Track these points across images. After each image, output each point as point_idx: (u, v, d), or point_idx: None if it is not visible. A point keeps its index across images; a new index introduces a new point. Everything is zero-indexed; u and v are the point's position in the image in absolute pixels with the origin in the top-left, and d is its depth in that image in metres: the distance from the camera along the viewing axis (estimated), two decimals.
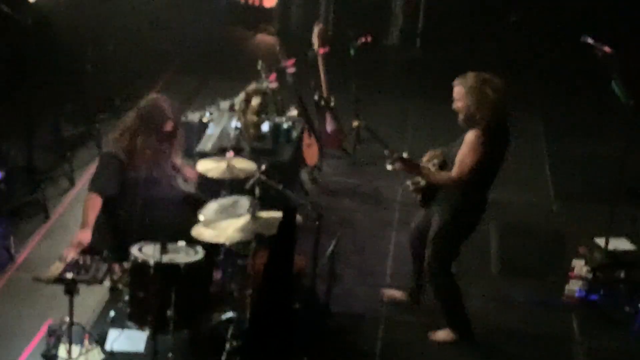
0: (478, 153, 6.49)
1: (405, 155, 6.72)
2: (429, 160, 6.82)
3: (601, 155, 10.05)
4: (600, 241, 7.90)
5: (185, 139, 8.77)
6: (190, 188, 7.21)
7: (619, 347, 7.11)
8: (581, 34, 8.00)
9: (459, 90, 6.59)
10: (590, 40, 7.97)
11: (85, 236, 6.59)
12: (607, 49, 7.79)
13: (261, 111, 8.18)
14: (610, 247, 7.77)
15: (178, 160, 7.16)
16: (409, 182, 6.96)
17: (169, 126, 6.89)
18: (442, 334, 7.03)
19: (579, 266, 7.74)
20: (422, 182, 6.85)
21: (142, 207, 6.80)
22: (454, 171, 6.57)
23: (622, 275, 7.69)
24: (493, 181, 6.79)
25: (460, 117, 6.62)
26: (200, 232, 6.39)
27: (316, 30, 9.47)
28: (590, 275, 7.65)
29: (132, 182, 6.80)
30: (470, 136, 6.53)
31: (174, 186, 7.12)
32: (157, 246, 6.22)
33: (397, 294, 7.38)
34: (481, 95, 6.49)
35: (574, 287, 7.62)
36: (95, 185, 6.78)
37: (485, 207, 6.83)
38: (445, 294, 6.95)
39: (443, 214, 6.75)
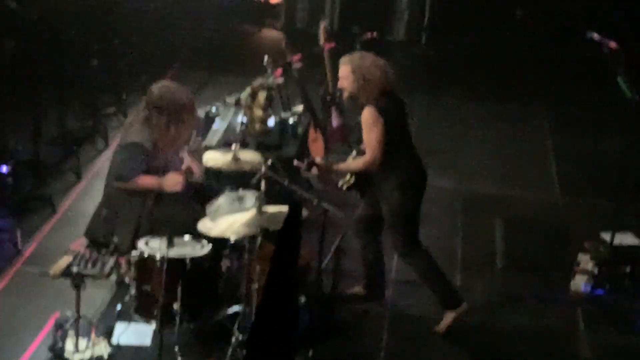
0: (377, 127, 6.65)
1: (318, 159, 6.95)
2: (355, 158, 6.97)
3: (607, 151, 10.04)
4: (606, 236, 7.90)
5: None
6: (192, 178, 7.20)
7: (624, 342, 7.12)
8: (587, 29, 8.00)
9: (345, 69, 6.76)
10: (596, 36, 7.97)
11: (173, 177, 6.73)
12: (612, 44, 7.79)
13: (267, 106, 8.19)
14: (616, 242, 7.78)
15: (185, 155, 7.15)
16: (340, 183, 7.05)
17: (189, 112, 6.86)
18: (445, 321, 7.04)
19: (585, 261, 7.75)
20: (350, 179, 7.00)
21: (156, 198, 6.80)
22: (366, 153, 6.73)
23: (628, 270, 7.69)
24: (409, 143, 6.90)
25: (345, 94, 6.83)
26: (207, 226, 6.40)
27: (322, 25, 9.47)
28: (595, 270, 7.65)
29: (152, 172, 6.79)
30: (363, 116, 6.70)
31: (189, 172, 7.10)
32: (164, 240, 6.24)
33: (356, 289, 7.41)
34: (366, 75, 6.68)
35: (579, 282, 7.62)
36: (123, 177, 6.73)
37: (420, 168, 6.91)
38: (425, 268, 6.98)
39: (386, 198, 6.84)
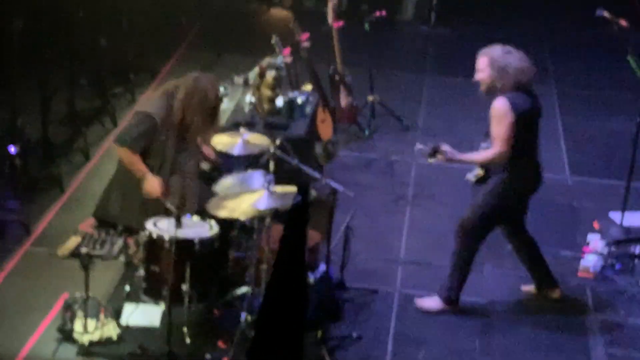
0: (506, 120, 6.53)
1: (443, 146, 6.71)
2: None
3: (617, 130, 10.01)
4: (616, 216, 7.88)
5: None
6: (205, 166, 7.18)
7: (633, 322, 7.11)
8: (597, 7, 7.95)
9: (483, 61, 6.65)
10: (606, 14, 7.93)
11: (155, 181, 6.61)
12: (623, 22, 7.75)
13: (275, 86, 8.17)
14: (626, 222, 7.76)
15: (200, 140, 7.11)
16: (469, 176, 6.94)
17: (213, 108, 6.83)
18: (432, 304, 7.05)
19: (594, 241, 7.73)
20: (481, 172, 6.84)
21: (168, 173, 6.76)
22: (494, 146, 6.61)
23: (637, 250, 7.68)
24: (536, 147, 6.82)
25: (482, 87, 6.69)
26: (215, 207, 6.39)
27: (330, 4, 9.44)
28: (605, 250, 7.64)
29: (160, 146, 6.76)
30: (493, 107, 6.59)
31: (197, 160, 7.08)
32: (172, 221, 6.24)
33: (530, 288, 7.31)
34: (504, 66, 6.56)
35: (589, 262, 7.61)
36: (124, 140, 6.68)
37: (538, 175, 6.85)
38: (463, 255, 6.93)
39: (497, 188, 6.76)
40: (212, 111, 6.77)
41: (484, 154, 6.71)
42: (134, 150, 6.66)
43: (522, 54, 6.67)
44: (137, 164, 6.68)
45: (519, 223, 7.11)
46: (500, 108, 6.55)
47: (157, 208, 6.59)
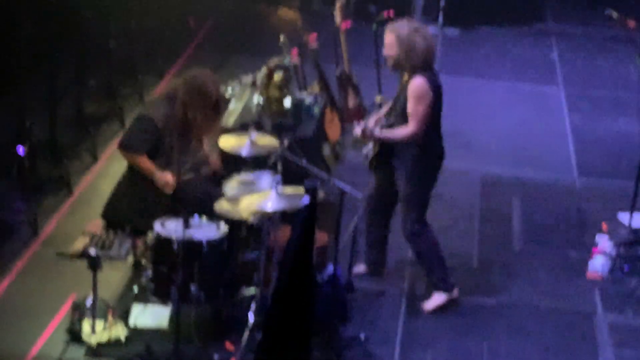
0: (426, 99, 6.64)
1: (371, 122, 6.87)
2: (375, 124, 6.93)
3: (625, 131, 9.99)
4: (624, 217, 7.86)
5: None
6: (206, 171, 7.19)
7: None
8: (607, 6, 7.95)
9: (390, 37, 6.72)
10: (614, 14, 7.91)
11: (166, 175, 6.66)
12: (631, 23, 7.73)
13: (283, 86, 8.16)
14: (634, 223, 7.73)
15: (206, 145, 7.13)
16: (365, 151, 7.04)
17: (216, 102, 6.86)
18: (434, 301, 7.07)
19: (603, 242, 7.72)
20: (375, 147, 6.95)
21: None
22: (411, 124, 6.68)
23: None
24: (439, 126, 6.90)
25: (389, 63, 6.77)
26: (223, 208, 6.39)
27: (338, 4, 9.43)
28: (614, 252, 7.62)
29: (167, 148, 6.77)
30: (412, 86, 6.66)
31: (204, 162, 7.09)
32: (180, 222, 6.24)
33: (360, 268, 7.39)
34: (412, 45, 6.62)
35: (597, 263, 7.59)
36: (127, 145, 6.77)
37: (443, 149, 6.94)
38: (428, 252, 7.02)
39: (408, 174, 6.85)
40: (214, 107, 6.82)
41: (401, 130, 6.74)
42: (138, 153, 6.69)
43: (429, 34, 6.74)
44: (143, 164, 6.71)
45: (392, 203, 7.16)
46: (421, 88, 6.64)
47: (165, 208, 6.60)
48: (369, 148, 7.01)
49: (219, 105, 6.91)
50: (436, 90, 6.73)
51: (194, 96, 6.74)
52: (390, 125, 6.83)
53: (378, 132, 6.78)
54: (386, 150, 6.91)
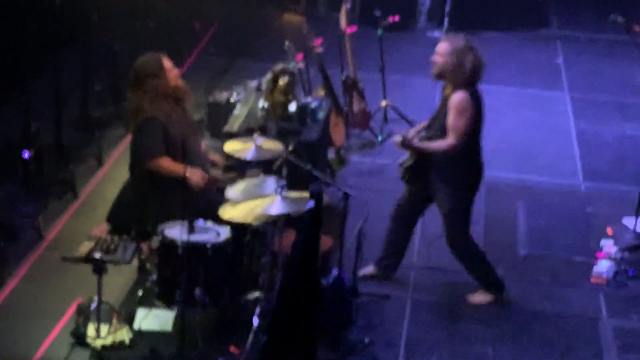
0: (467, 113, 6.68)
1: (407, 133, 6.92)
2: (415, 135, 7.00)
3: (630, 136, 9.99)
4: (629, 222, 7.86)
5: (211, 120, 8.82)
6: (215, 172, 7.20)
7: None
8: (611, 12, 7.94)
9: (445, 47, 6.76)
10: (620, 19, 7.91)
11: (196, 173, 6.65)
12: (636, 28, 7.73)
13: (288, 91, 8.17)
14: (639, 228, 7.73)
15: (203, 145, 7.14)
16: (400, 161, 7.07)
17: (161, 82, 6.86)
18: (479, 297, 7.17)
19: (608, 247, 7.72)
20: (409, 159, 6.97)
21: (178, 184, 6.77)
22: (450, 137, 6.71)
23: None
24: (480, 141, 6.95)
25: (434, 70, 6.82)
26: (228, 212, 6.40)
27: (343, 9, 9.45)
28: (618, 256, 7.62)
29: (173, 141, 6.77)
30: (454, 100, 6.70)
31: (205, 162, 7.09)
32: (185, 226, 6.25)
33: (369, 270, 7.41)
34: (462, 62, 6.68)
35: (602, 267, 7.59)
36: (148, 155, 6.72)
37: (482, 165, 6.99)
38: (474, 262, 7.12)
39: (450, 190, 6.90)
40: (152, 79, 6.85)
41: (439, 143, 6.78)
42: (161, 155, 6.68)
43: (480, 56, 6.78)
44: (172, 167, 6.69)
45: (420, 213, 7.26)
46: (463, 102, 6.68)
47: (170, 212, 6.60)
48: (405, 158, 7.02)
49: (158, 75, 6.88)
50: (478, 106, 6.76)
51: (137, 80, 6.82)
52: (430, 138, 6.87)
53: (417, 143, 6.83)
54: (422, 164, 6.93)
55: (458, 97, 6.69)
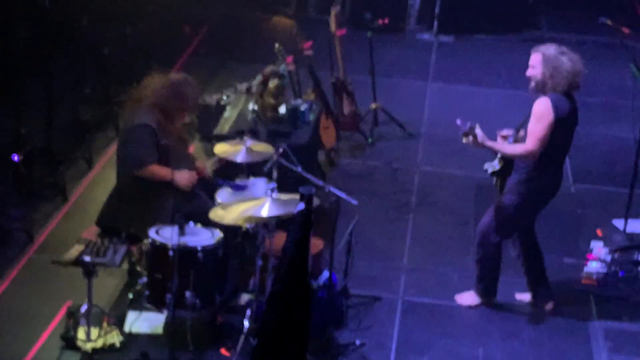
0: (546, 120, 6.57)
1: (478, 129, 6.74)
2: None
3: (619, 137, 10.01)
4: (619, 223, 7.87)
5: (201, 122, 8.81)
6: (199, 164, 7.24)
7: (637, 329, 7.10)
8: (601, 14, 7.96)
9: (536, 58, 6.68)
10: (609, 22, 7.93)
11: (183, 174, 6.76)
12: (625, 30, 7.75)
13: (278, 94, 8.18)
14: (629, 229, 7.75)
15: (191, 150, 7.15)
16: (486, 166, 7.01)
17: (187, 112, 6.93)
18: (468, 299, 7.16)
19: (598, 248, 7.73)
20: (499, 165, 6.90)
21: (169, 187, 6.79)
22: (527, 142, 6.63)
23: None
24: (565, 154, 6.87)
25: (532, 84, 6.71)
26: (218, 215, 6.40)
27: (333, 12, 9.46)
28: (608, 258, 7.63)
29: (164, 149, 6.79)
30: (535, 105, 6.63)
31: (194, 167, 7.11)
32: (175, 229, 6.24)
33: (525, 296, 7.30)
34: (557, 66, 6.59)
35: (592, 269, 7.60)
36: (140, 162, 6.74)
37: (559, 183, 6.89)
38: (488, 261, 7.03)
39: (518, 187, 6.79)
40: (192, 108, 7.02)
41: (514, 147, 6.73)
42: (152, 162, 6.70)
43: (577, 56, 6.68)
44: (160, 172, 6.72)
45: (531, 230, 7.11)
46: (543, 107, 6.59)
47: (160, 215, 6.61)
48: (493, 164, 6.97)
49: (195, 106, 7.00)
50: (561, 115, 6.62)
51: (174, 99, 6.77)
52: (516, 142, 6.80)
53: (486, 140, 6.71)
54: (509, 169, 6.86)
55: (538, 103, 6.62)
